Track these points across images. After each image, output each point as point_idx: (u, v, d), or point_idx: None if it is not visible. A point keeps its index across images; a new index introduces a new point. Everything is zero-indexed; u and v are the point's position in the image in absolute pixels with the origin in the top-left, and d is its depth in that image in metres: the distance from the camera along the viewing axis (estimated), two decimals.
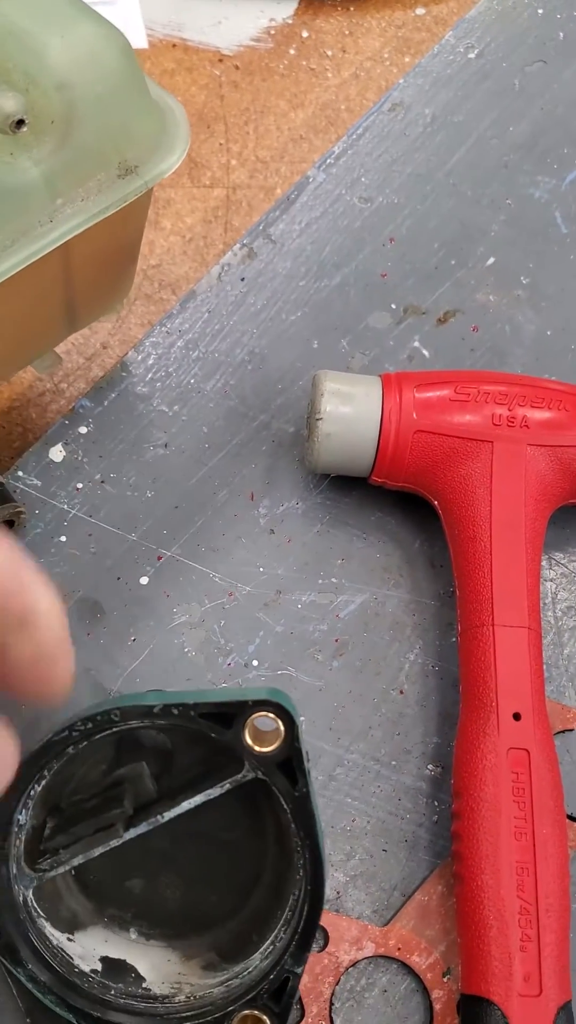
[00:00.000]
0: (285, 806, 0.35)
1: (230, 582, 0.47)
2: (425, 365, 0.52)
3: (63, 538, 0.48)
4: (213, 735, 0.35)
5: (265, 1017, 0.37)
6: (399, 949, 0.41)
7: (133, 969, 0.39)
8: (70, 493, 0.48)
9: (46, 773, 0.36)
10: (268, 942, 0.38)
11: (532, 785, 0.39)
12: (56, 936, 0.38)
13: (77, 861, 0.36)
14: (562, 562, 0.48)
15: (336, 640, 0.47)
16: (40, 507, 0.48)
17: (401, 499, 0.49)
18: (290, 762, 0.35)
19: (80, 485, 0.49)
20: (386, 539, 0.48)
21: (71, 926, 0.39)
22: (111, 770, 0.39)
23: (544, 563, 0.48)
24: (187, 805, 0.36)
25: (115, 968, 0.39)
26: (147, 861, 0.39)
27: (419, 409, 0.44)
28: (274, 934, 0.37)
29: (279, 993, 0.37)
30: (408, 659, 0.46)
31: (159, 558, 0.48)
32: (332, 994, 0.40)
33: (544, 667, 0.44)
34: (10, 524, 0.46)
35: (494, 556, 0.43)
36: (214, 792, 0.36)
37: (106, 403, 0.50)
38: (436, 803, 0.44)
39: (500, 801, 0.39)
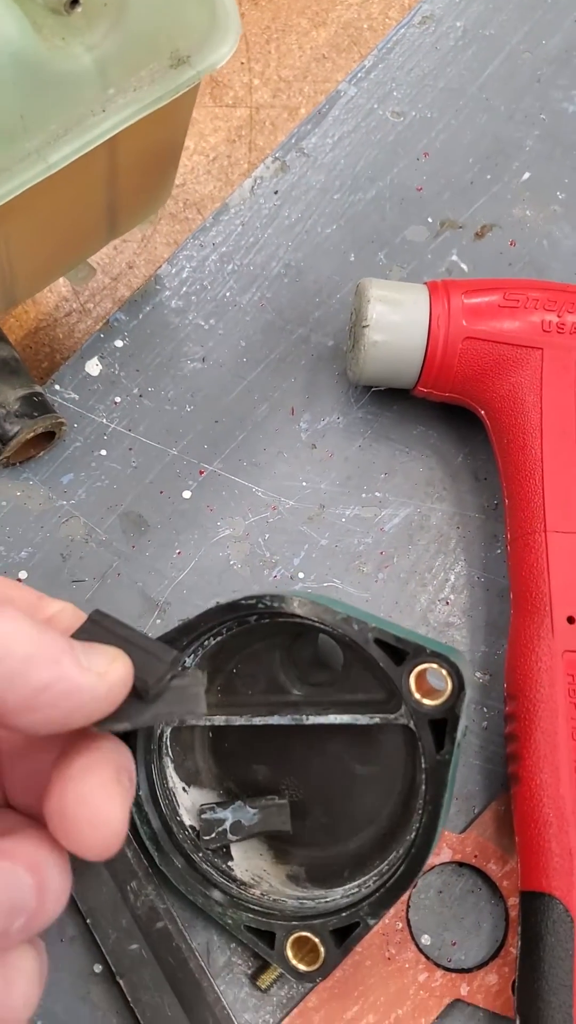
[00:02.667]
0: (423, 765, 0.35)
1: (273, 496, 0.47)
2: (464, 278, 0.51)
3: (103, 452, 0.47)
4: (382, 665, 0.35)
5: (321, 947, 0.37)
6: (475, 856, 0.41)
7: (228, 844, 0.39)
8: (108, 407, 0.48)
9: (223, 632, 0.37)
10: (355, 884, 0.38)
11: None
12: (174, 780, 0.39)
13: (217, 721, 0.36)
14: None
15: (381, 553, 0.46)
16: (79, 421, 0.47)
17: (443, 412, 0.48)
18: (444, 724, 0.34)
19: (118, 399, 0.48)
20: (429, 453, 0.48)
21: (191, 779, 0.40)
22: (277, 658, 0.39)
23: None
24: (334, 719, 0.36)
25: (209, 831, 0.39)
26: (279, 755, 0.40)
27: (468, 315, 0.44)
28: (364, 879, 0.37)
29: (345, 933, 0.37)
30: (453, 571, 0.46)
31: (201, 472, 0.47)
32: (408, 897, 0.40)
33: None
34: (51, 436, 0.46)
35: (545, 463, 0.42)
36: (362, 719, 0.36)
37: (141, 316, 0.49)
38: (485, 709, 0.44)
39: (557, 702, 0.39)
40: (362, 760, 0.39)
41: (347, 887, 0.38)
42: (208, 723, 0.37)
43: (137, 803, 0.39)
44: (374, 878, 0.37)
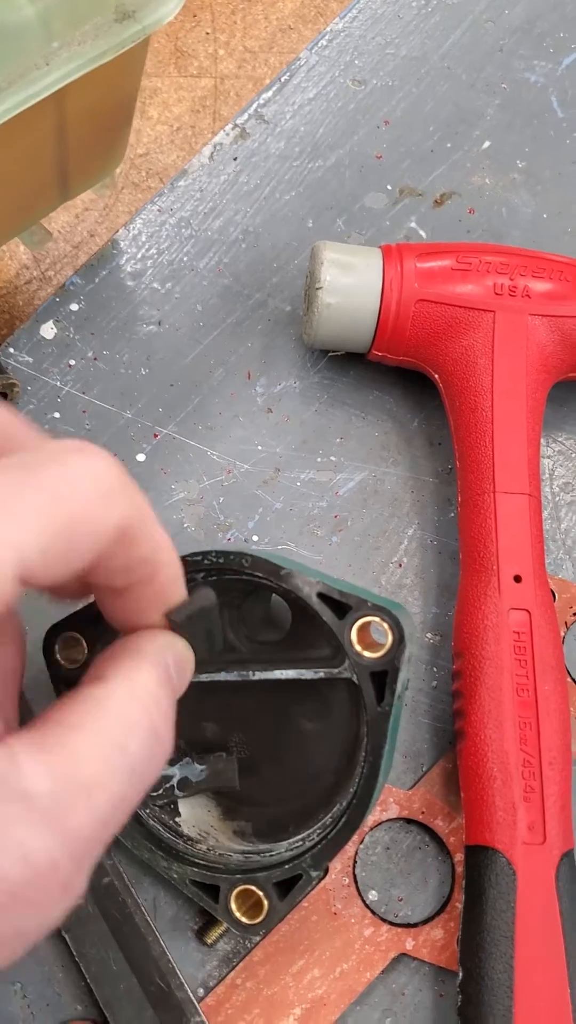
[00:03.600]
0: (365, 717, 0.35)
1: (228, 460, 0.47)
2: None
3: (57, 414, 0.47)
4: (324, 620, 0.35)
5: (265, 901, 0.37)
6: (423, 813, 0.41)
7: (175, 800, 0.39)
8: (63, 370, 0.48)
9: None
10: (299, 837, 0.38)
11: (533, 644, 0.39)
12: None
13: None
14: (560, 439, 0.48)
15: (335, 516, 0.46)
16: (32, 383, 0.47)
17: (399, 377, 0.48)
18: (384, 676, 0.35)
19: (72, 362, 0.48)
20: (384, 417, 0.48)
21: None
22: (226, 616, 0.39)
23: (542, 440, 0.48)
24: (279, 674, 0.36)
25: (157, 787, 0.39)
26: (227, 712, 0.40)
27: (420, 279, 0.44)
28: (308, 832, 0.38)
29: (288, 886, 0.37)
30: (407, 534, 0.46)
31: (155, 436, 0.47)
32: (356, 853, 0.41)
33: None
34: (3, 396, 0.45)
35: (495, 425, 0.43)
36: (306, 673, 0.36)
37: (97, 280, 0.49)
38: (435, 669, 0.44)
39: (502, 659, 0.39)
40: (309, 716, 0.39)
41: (291, 840, 0.38)
42: None
43: None
44: (318, 831, 0.37)
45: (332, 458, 0.47)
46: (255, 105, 0.54)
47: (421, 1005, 0.40)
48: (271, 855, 0.38)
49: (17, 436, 0.28)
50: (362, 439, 0.48)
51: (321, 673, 0.36)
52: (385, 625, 0.34)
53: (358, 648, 0.34)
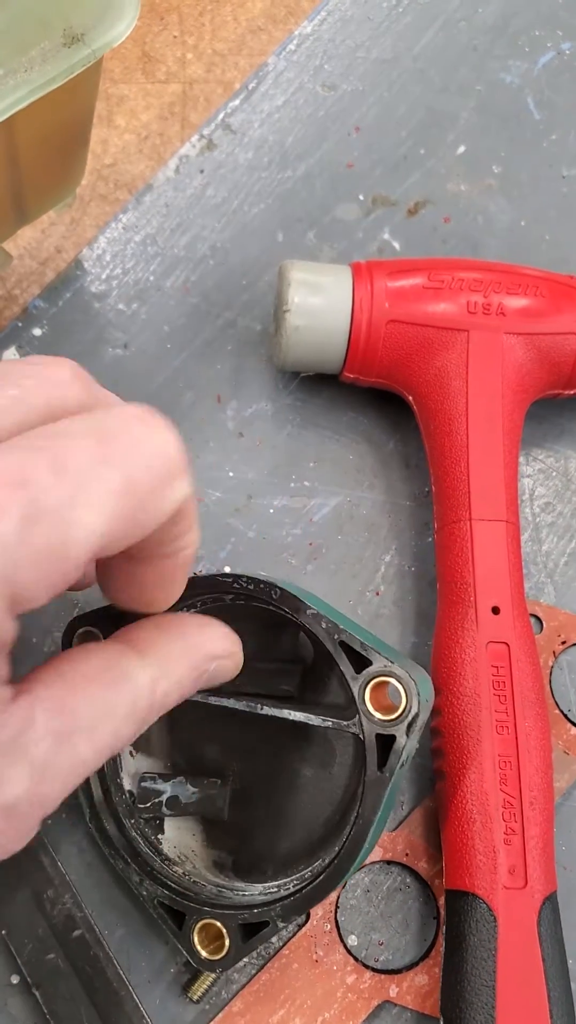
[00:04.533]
0: (364, 777, 0.34)
1: (199, 488, 0.46)
2: (396, 257, 0.50)
3: None
4: (342, 668, 0.34)
5: (227, 939, 0.36)
6: (407, 855, 0.40)
7: (161, 817, 0.38)
8: None
9: (198, 604, 0.36)
10: (276, 883, 0.37)
11: (512, 678, 0.38)
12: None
13: None
14: (540, 458, 0.47)
15: (310, 544, 0.45)
16: None
17: (374, 398, 0.47)
18: (391, 741, 0.33)
19: None
20: (359, 440, 0.47)
21: (139, 745, 0.39)
22: (249, 644, 0.38)
23: (522, 459, 0.46)
24: (288, 714, 0.35)
25: (146, 800, 0.38)
26: (230, 739, 0.39)
27: (391, 298, 0.42)
28: (285, 880, 0.37)
29: (253, 930, 0.36)
30: (384, 561, 0.45)
31: None
32: (337, 897, 0.40)
33: (523, 564, 0.43)
34: None
35: (471, 449, 0.41)
36: (315, 719, 0.35)
37: (60, 303, 0.48)
38: None
39: (480, 695, 0.38)
40: (310, 762, 0.38)
41: (267, 885, 0.37)
42: None
43: None
44: (295, 881, 0.36)
45: (306, 483, 0.46)
46: (222, 114, 0.53)
47: None
48: (243, 894, 0.37)
49: (82, 396, 0.28)
50: (336, 462, 0.46)
51: (329, 723, 0.35)
52: (402, 689, 0.33)
53: (370, 707, 0.33)
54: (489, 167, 0.52)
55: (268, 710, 0.35)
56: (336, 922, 0.39)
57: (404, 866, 0.40)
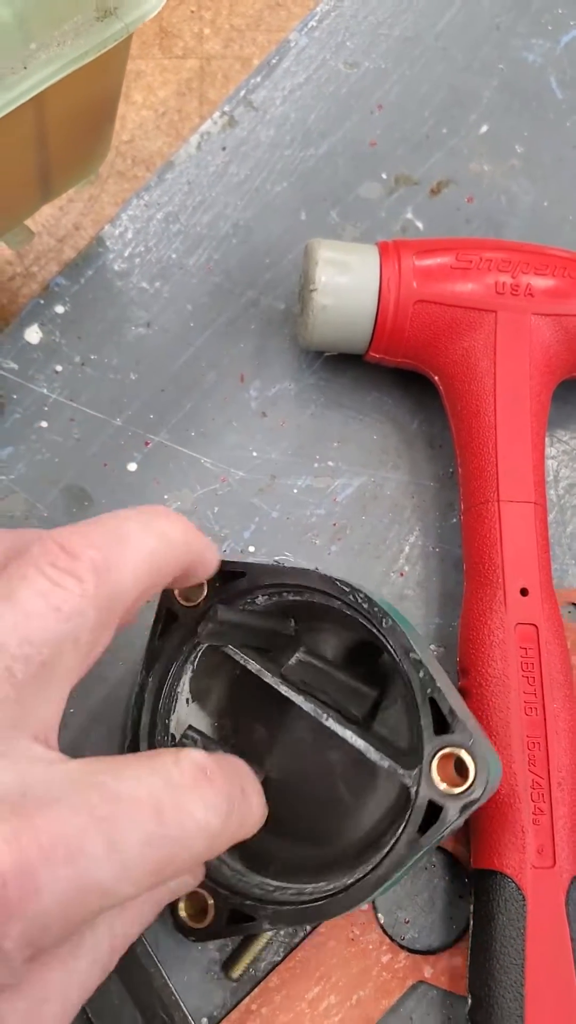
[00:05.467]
0: (398, 833, 0.33)
1: (222, 467, 0.45)
2: (419, 237, 0.49)
3: (44, 423, 0.45)
4: (422, 724, 0.33)
5: (211, 914, 0.36)
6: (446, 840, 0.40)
7: None
8: (49, 376, 0.46)
9: (304, 595, 0.37)
10: (273, 884, 0.36)
11: (541, 660, 0.38)
12: (184, 687, 0.38)
13: (251, 666, 0.37)
14: (564, 439, 0.47)
15: (334, 524, 0.45)
16: (18, 391, 0.45)
17: (398, 378, 0.47)
18: (439, 812, 0.32)
19: (59, 368, 0.46)
20: (383, 420, 0.47)
21: (198, 696, 0.39)
22: (342, 648, 0.38)
23: (546, 441, 0.46)
24: (350, 736, 0.35)
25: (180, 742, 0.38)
26: (279, 729, 0.39)
27: (419, 278, 0.42)
28: (283, 885, 0.36)
29: (238, 918, 0.35)
30: (408, 541, 0.45)
31: (147, 444, 0.45)
32: None
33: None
34: None
35: (499, 431, 0.41)
36: (373, 754, 0.34)
37: (83, 281, 0.47)
38: None
39: (509, 676, 0.38)
40: (349, 785, 0.37)
41: (266, 880, 0.36)
42: (243, 661, 0.37)
43: (141, 686, 0.38)
44: (293, 891, 0.35)
45: (330, 463, 0.46)
46: (243, 91, 0.52)
47: (419, 1018, 0.39)
48: (241, 879, 0.36)
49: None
50: (360, 443, 0.46)
51: (386, 764, 0.34)
52: (473, 772, 0.32)
53: (435, 772, 0.32)
54: (512, 147, 0.52)
55: (332, 724, 0.35)
56: (373, 902, 0.40)
57: (440, 849, 0.40)
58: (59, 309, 0.47)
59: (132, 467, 0.45)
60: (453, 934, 0.40)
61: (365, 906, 0.36)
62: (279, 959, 0.39)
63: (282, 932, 0.39)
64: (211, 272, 0.48)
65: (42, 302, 0.47)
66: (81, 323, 0.47)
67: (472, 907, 0.37)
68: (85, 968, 0.27)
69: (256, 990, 0.39)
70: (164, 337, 0.47)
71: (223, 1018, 0.38)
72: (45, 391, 0.46)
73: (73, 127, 0.39)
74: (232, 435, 0.46)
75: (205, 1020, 0.39)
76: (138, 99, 0.56)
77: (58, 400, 0.45)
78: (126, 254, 0.48)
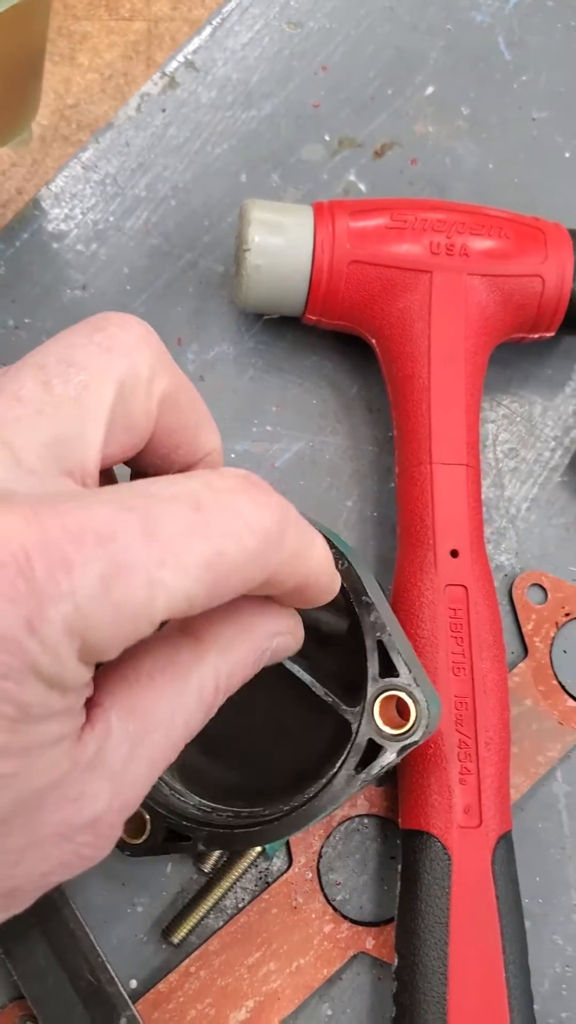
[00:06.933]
0: (335, 770, 0.33)
1: None
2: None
3: None
4: (368, 666, 0.33)
5: (148, 832, 0.36)
6: (393, 811, 0.40)
7: None
8: None
9: None
10: (210, 805, 0.36)
11: (470, 621, 0.38)
12: None
13: None
14: (504, 403, 0.47)
15: None
16: None
17: (338, 341, 0.46)
18: (377, 751, 0.33)
19: None
20: (323, 384, 0.46)
21: None
22: None
23: (485, 405, 0.46)
24: (296, 670, 0.35)
25: None
26: None
27: (353, 239, 0.42)
28: (219, 807, 0.36)
29: (176, 837, 0.35)
30: (346, 506, 0.45)
31: None
32: (321, 847, 0.40)
33: (484, 509, 0.43)
34: None
35: (432, 392, 0.41)
36: (318, 689, 0.34)
37: (18, 244, 0.47)
38: None
39: (438, 636, 0.38)
40: (292, 714, 0.37)
41: (202, 801, 0.36)
42: None
43: None
44: (229, 814, 0.36)
45: (268, 428, 0.45)
46: (184, 52, 0.51)
47: (360, 989, 0.39)
48: (179, 798, 0.36)
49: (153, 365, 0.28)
50: (299, 407, 0.46)
51: (330, 699, 0.34)
52: (414, 714, 0.33)
53: (377, 713, 0.33)
54: (458, 108, 0.51)
55: (292, 665, 0.35)
56: (318, 871, 0.39)
57: (388, 820, 0.40)
58: None
59: None
60: (395, 904, 0.40)
61: (298, 834, 0.36)
62: (220, 926, 0.39)
63: (225, 902, 0.39)
64: (149, 234, 0.48)
65: None
66: (15, 286, 0.46)
67: (400, 867, 0.37)
68: (192, 704, 0.26)
69: (196, 952, 0.39)
70: (100, 300, 0.46)
71: (160, 980, 0.38)
72: None
73: None
74: None
75: (134, 982, 0.39)
76: (84, 62, 0.55)
77: None
78: (62, 216, 0.48)
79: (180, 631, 0.27)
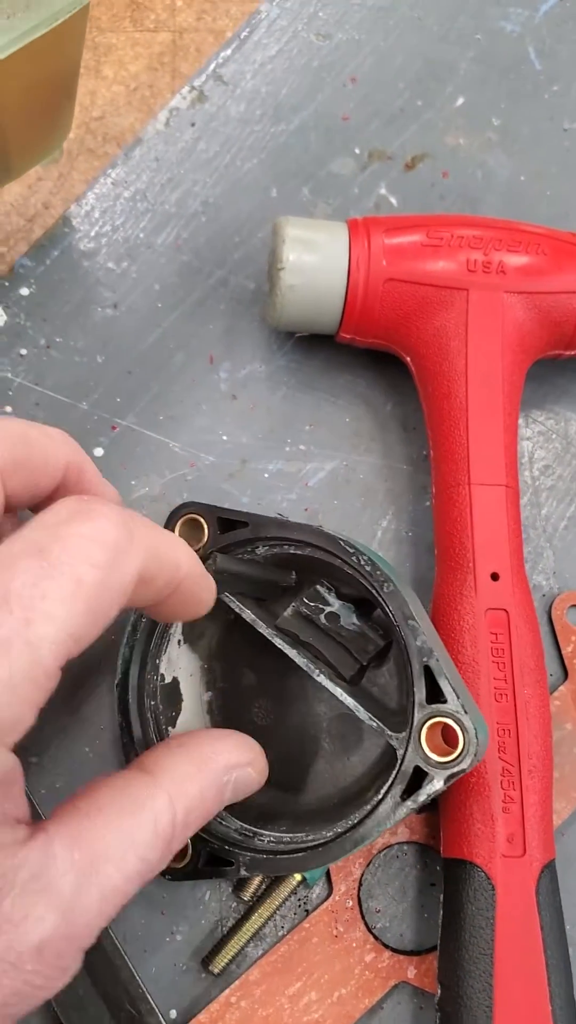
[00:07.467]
0: (378, 797, 0.33)
1: (191, 452, 0.45)
2: (392, 213, 0.48)
3: (8, 408, 0.44)
4: (415, 691, 0.33)
5: (189, 856, 0.36)
6: (434, 838, 0.39)
7: (178, 717, 0.39)
8: (14, 360, 0.45)
9: (306, 550, 0.36)
10: (252, 829, 0.36)
11: (512, 646, 0.38)
12: (177, 628, 0.38)
13: (245, 615, 0.36)
14: (540, 420, 0.46)
15: (306, 510, 0.44)
16: None
17: (371, 359, 0.46)
18: (423, 779, 0.32)
19: (24, 351, 0.45)
20: (356, 402, 0.46)
21: (190, 638, 0.39)
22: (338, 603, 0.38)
23: (521, 421, 0.46)
24: (340, 694, 0.34)
25: (170, 698, 0.38)
26: (270, 678, 0.39)
27: (389, 256, 0.41)
28: (260, 832, 0.36)
29: (216, 862, 0.35)
30: (381, 526, 0.44)
31: (113, 428, 0.45)
32: (362, 875, 0.39)
33: (522, 528, 0.43)
34: None
35: (470, 412, 0.40)
36: (362, 714, 0.34)
37: (48, 262, 0.46)
38: None
39: (479, 662, 0.37)
40: (335, 739, 0.37)
41: (244, 826, 0.36)
42: (238, 610, 0.36)
43: (134, 625, 0.38)
44: (271, 839, 0.35)
45: (301, 447, 0.45)
46: (213, 65, 0.51)
47: (401, 1019, 0.39)
48: (220, 822, 0.36)
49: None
50: (332, 426, 0.45)
51: (375, 724, 0.34)
52: (462, 742, 0.32)
53: (424, 740, 0.33)
54: (488, 120, 0.51)
55: (323, 680, 0.35)
56: (359, 899, 0.39)
57: (429, 847, 0.40)
58: (24, 291, 0.46)
59: (99, 452, 0.44)
60: (436, 933, 0.39)
61: (341, 861, 0.36)
62: (260, 954, 0.39)
63: (265, 930, 0.39)
64: (179, 251, 0.47)
65: (7, 284, 0.46)
66: (47, 305, 0.46)
67: (442, 897, 0.37)
68: (146, 838, 0.26)
69: (237, 983, 0.38)
70: (131, 318, 0.46)
71: (200, 1011, 0.38)
72: (9, 375, 0.45)
73: (30, 105, 0.38)
74: (201, 418, 0.45)
75: (174, 1012, 0.38)
76: (109, 74, 0.55)
77: (23, 384, 0.45)
78: (92, 233, 0.47)
79: (136, 767, 0.29)
